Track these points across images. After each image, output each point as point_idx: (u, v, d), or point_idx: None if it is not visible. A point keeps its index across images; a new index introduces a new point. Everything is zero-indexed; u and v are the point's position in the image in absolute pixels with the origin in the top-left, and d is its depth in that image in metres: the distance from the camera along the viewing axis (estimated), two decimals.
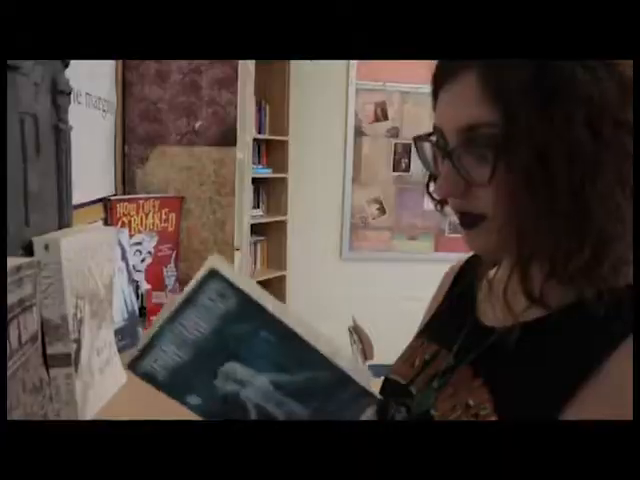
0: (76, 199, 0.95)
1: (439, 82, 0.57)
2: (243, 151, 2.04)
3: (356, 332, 2.62)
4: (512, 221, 0.53)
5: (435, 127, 0.58)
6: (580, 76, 0.49)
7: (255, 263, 3.63)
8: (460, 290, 0.73)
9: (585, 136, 0.49)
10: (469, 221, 0.57)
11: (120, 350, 0.97)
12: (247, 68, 2.16)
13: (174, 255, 1.42)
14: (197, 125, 1.39)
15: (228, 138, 1.41)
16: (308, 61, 3.51)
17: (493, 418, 0.54)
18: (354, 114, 3.67)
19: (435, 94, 0.59)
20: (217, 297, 0.46)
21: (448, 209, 0.63)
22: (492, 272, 0.69)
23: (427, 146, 0.62)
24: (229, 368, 0.50)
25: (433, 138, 0.60)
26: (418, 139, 0.61)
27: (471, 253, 0.74)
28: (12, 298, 0.63)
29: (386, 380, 0.73)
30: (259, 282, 3.32)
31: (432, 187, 0.66)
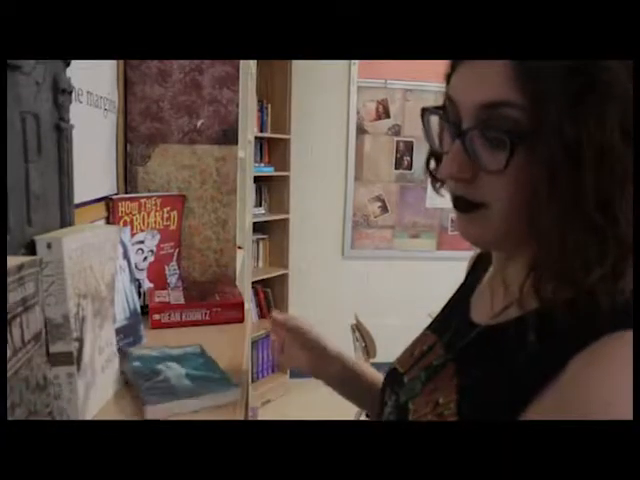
0: (78, 198, 0.95)
1: None
2: (245, 149, 2.04)
3: (359, 330, 2.62)
4: (522, 215, 0.50)
5: (450, 100, 0.54)
6: (618, 71, 0.46)
7: (257, 261, 3.63)
8: (466, 284, 0.73)
9: (617, 137, 0.45)
10: (465, 205, 0.54)
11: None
12: (248, 67, 2.16)
13: (176, 253, 1.42)
14: (199, 124, 1.39)
15: (230, 136, 1.41)
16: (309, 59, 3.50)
17: (453, 419, 0.52)
18: (356, 112, 3.67)
19: (454, 65, 0.55)
20: None
21: (444, 191, 0.60)
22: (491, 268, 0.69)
23: (435, 120, 0.58)
24: None
25: (442, 112, 0.56)
26: (426, 111, 0.58)
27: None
28: (14, 297, 0.63)
29: (390, 368, 0.74)
30: (261, 280, 3.31)
31: (432, 164, 0.63)
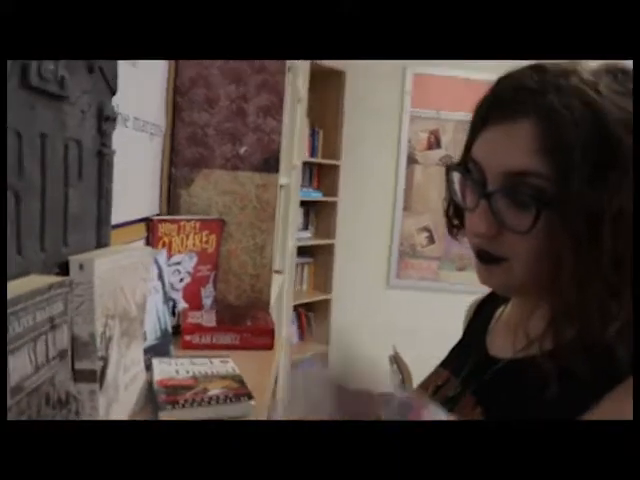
0: (120, 218, 0.98)
1: (487, 117, 0.56)
2: (289, 175, 2.07)
3: (396, 361, 2.59)
4: (542, 270, 0.53)
5: (474, 161, 0.58)
6: (629, 140, 0.49)
7: (301, 284, 3.65)
8: (477, 322, 0.76)
9: (629, 203, 0.49)
10: (487, 258, 0.58)
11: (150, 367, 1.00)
12: (297, 92, 2.20)
13: (213, 276, 1.45)
14: (242, 150, 1.43)
15: (271, 164, 1.44)
16: (363, 87, 3.54)
17: None
18: (407, 141, 3.67)
19: (477, 127, 0.58)
20: None
21: (460, 236, 0.67)
22: (505, 306, 0.71)
23: (457, 176, 0.62)
24: None
25: (465, 170, 0.60)
26: (450, 168, 0.62)
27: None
28: (42, 315, 0.66)
29: None
30: (304, 304, 3.32)
31: (451, 211, 0.69)
